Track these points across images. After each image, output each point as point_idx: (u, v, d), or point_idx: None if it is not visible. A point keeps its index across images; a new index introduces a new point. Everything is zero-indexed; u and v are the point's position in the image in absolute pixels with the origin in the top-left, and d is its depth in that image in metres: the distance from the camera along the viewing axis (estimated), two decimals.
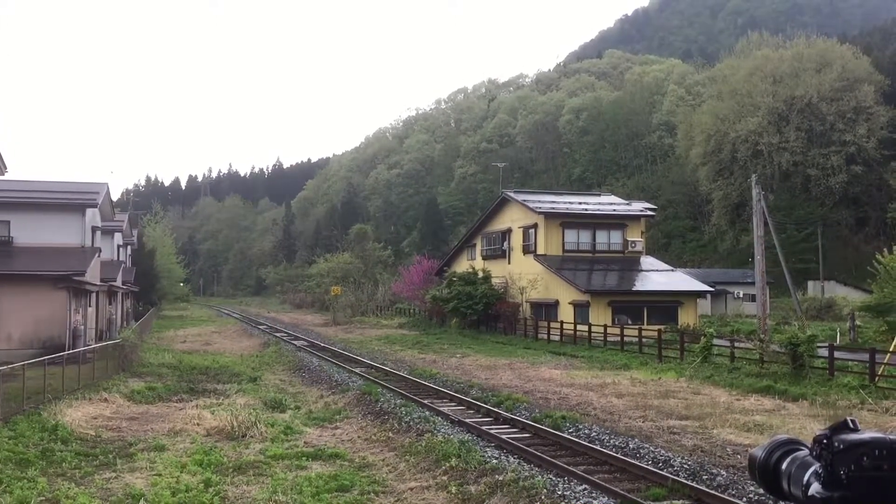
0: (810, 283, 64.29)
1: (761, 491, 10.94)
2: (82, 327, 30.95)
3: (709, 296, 51.59)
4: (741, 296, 61.23)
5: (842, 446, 1.36)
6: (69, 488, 11.29)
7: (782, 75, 79.16)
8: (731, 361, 26.33)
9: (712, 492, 11.23)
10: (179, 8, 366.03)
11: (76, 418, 16.76)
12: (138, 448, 14.38)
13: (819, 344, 25.19)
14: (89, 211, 34.81)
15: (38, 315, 28.73)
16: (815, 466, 1.40)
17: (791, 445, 1.50)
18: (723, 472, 12.35)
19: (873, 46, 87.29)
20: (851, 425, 1.40)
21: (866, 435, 1.36)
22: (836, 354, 23.44)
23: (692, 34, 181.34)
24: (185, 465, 12.85)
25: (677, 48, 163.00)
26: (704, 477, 12.18)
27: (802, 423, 16.75)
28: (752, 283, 39.72)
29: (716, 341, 28.32)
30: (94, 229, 36.65)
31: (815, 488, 1.37)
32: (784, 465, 1.47)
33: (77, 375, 21.13)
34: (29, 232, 32.34)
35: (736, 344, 27.84)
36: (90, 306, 35.05)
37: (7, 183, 32.11)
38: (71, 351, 24.21)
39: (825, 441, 1.38)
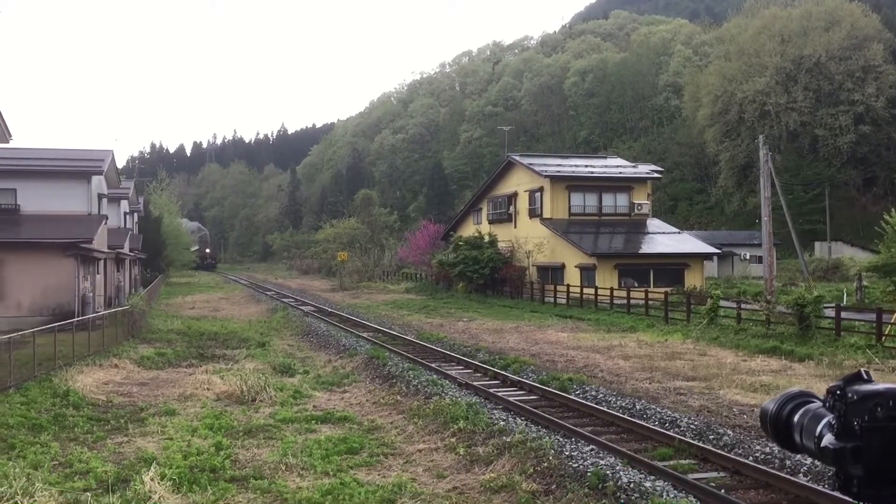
0: (817, 244, 64.13)
1: (768, 450, 11.07)
2: (91, 294, 31.11)
3: (715, 258, 51.54)
4: (748, 257, 61.15)
5: (855, 397, 1.35)
6: (81, 452, 11.43)
7: (790, 34, 78.19)
8: (738, 323, 26.38)
9: (719, 451, 11.31)
10: None
11: (87, 384, 16.92)
12: (149, 413, 14.53)
13: (826, 304, 25.21)
14: (95, 178, 34.80)
15: (47, 282, 28.87)
16: (829, 418, 1.39)
17: (803, 398, 1.49)
18: (729, 432, 12.42)
19: (883, 4, 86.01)
20: (865, 376, 1.39)
21: (880, 386, 1.35)
22: (843, 315, 23.44)
23: None
24: (195, 430, 12.98)
25: (684, 8, 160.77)
26: (711, 437, 12.27)
27: (809, 382, 16.81)
28: (759, 245, 39.64)
29: (722, 303, 28.32)
30: (100, 197, 36.67)
31: (827, 439, 1.37)
32: (796, 418, 1.46)
33: (87, 342, 21.28)
34: (35, 200, 32.36)
35: (742, 305, 27.87)
36: (98, 273, 35.18)
37: (12, 151, 32.06)
38: (80, 318, 24.36)
39: (838, 392, 1.37)
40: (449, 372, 18.94)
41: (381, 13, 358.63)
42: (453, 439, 12.26)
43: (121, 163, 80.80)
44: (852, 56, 74.06)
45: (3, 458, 10.95)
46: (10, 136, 24.34)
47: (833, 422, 1.37)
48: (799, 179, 70.45)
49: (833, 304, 25.82)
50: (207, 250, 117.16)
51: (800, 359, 20.17)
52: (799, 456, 9.73)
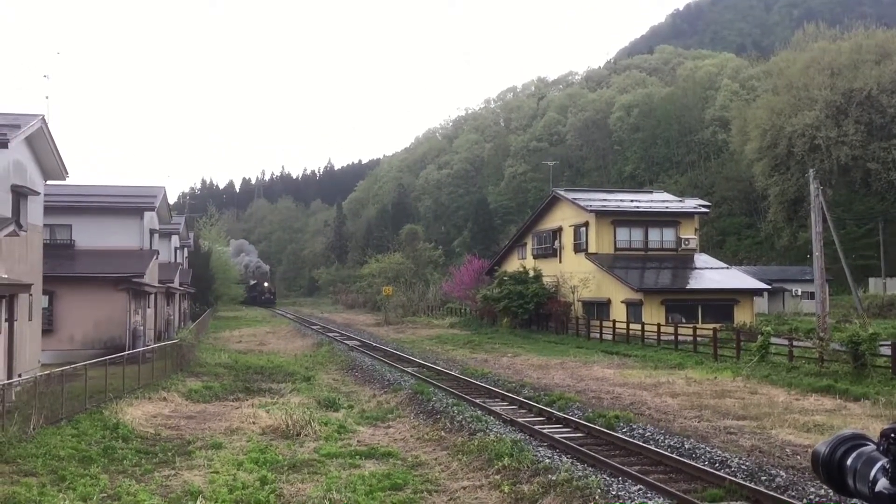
0: (871, 280, 62.60)
1: (822, 492, 10.75)
2: (141, 328, 31.66)
3: (765, 294, 50.60)
4: (799, 293, 59.89)
5: None
6: (130, 485, 11.55)
7: (840, 67, 77.21)
8: (790, 360, 25.78)
9: (771, 493, 11.01)
10: (249, 11, 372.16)
11: (136, 417, 17.15)
12: (196, 446, 14.65)
13: (881, 342, 24.53)
14: (147, 214, 35.62)
15: (99, 316, 29.49)
16: (883, 462, 1.36)
17: (857, 441, 1.46)
18: (782, 473, 12.10)
19: None
20: None
21: None
22: None
23: (746, 28, 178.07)
24: (241, 463, 13.05)
25: (730, 42, 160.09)
26: (763, 478, 11.95)
27: (864, 423, 16.32)
28: (811, 281, 38.82)
29: (773, 340, 27.74)
30: (152, 232, 37.48)
31: (882, 484, 1.33)
32: (849, 461, 1.43)
33: (137, 375, 21.61)
34: (90, 235, 33.23)
35: (794, 343, 27.24)
36: (149, 307, 35.83)
37: (68, 188, 33.00)
38: (131, 351, 24.78)
39: (893, 435, 1.34)
40: (493, 408, 18.80)
41: (427, 50, 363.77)
42: (498, 476, 12.13)
43: (172, 198, 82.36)
44: None
45: (53, 490, 11.13)
46: (67, 173, 25.07)
47: (888, 466, 1.34)
48: (851, 214, 69.04)
49: (889, 342, 25.09)
50: (266, 284, 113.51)
51: (855, 398, 19.62)
52: (855, 501, 9.44)
